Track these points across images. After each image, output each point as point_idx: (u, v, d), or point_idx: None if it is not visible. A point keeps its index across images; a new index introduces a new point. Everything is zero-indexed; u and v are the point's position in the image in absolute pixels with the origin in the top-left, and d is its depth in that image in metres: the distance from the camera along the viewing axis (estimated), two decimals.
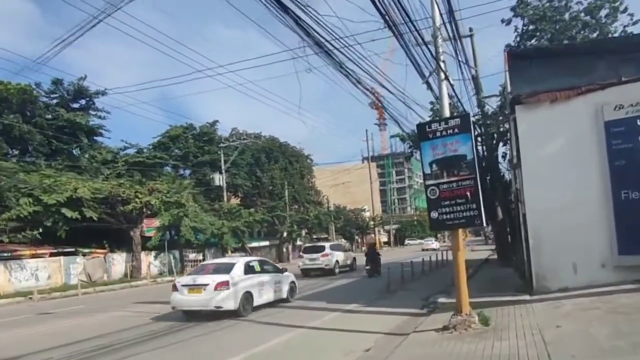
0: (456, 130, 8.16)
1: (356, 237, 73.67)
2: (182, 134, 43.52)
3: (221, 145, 42.17)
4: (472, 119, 21.17)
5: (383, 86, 10.54)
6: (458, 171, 8.10)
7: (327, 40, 8.36)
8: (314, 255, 26.12)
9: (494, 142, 21.05)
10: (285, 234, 46.49)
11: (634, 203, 9.65)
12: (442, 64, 8.70)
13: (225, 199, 40.96)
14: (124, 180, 31.81)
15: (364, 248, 72.54)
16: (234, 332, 10.46)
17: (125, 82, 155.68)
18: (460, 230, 8.44)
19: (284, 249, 49.71)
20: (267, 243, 49.17)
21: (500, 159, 23.90)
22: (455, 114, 18.41)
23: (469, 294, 11.35)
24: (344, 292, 17.20)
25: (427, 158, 8.41)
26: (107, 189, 28.62)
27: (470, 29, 21.88)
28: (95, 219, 27.48)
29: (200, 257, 37.26)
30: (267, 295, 13.55)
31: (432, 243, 57.18)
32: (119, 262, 30.23)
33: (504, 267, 20.34)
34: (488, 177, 24.40)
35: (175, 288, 12.60)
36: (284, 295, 14.46)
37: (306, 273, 25.34)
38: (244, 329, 10.68)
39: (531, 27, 19.50)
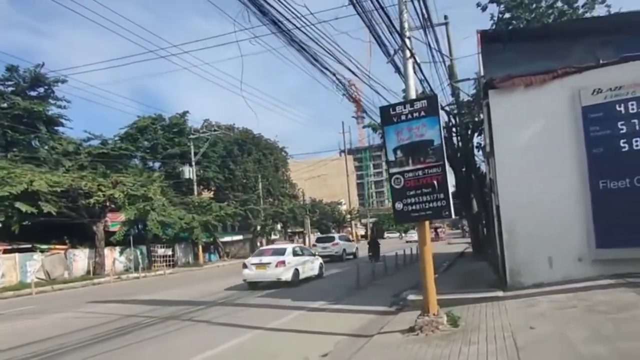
0: (422, 113, 7.39)
1: (332, 230, 72.90)
2: (150, 125, 41.92)
3: (191, 136, 40.77)
4: (446, 108, 20.75)
5: (348, 69, 9.68)
6: (424, 158, 7.34)
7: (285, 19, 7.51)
8: (326, 244, 31.10)
9: (469, 132, 20.48)
10: (258, 228, 45.45)
11: (612, 193, 9.08)
12: (407, 41, 7.91)
13: (195, 192, 39.68)
14: (87, 172, 30.32)
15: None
16: (185, 334, 9.56)
17: (98, 72, 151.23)
18: (427, 223, 7.68)
19: (258, 243, 48.70)
20: (240, 237, 48.15)
21: (476, 151, 23.42)
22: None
23: (440, 289, 10.67)
24: (313, 288, 16.42)
25: (391, 144, 7.63)
26: (67, 181, 27.15)
27: (445, 17, 21.30)
28: (54, 213, 26.00)
29: (170, 252, 36.09)
30: (307, 272, 18.05)
31: (415, 235, 57.12)
32: (81, 258, 28.81)
33: (478, 260, 19.87)
34: (463, 169, 23.93)
35: (245, 266, 17.16)
36: (317, 272, 19.03)
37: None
38: (197, 331, 9.79)
39: (507, 14, 18.94)
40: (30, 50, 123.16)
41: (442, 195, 7.18)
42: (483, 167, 23.90)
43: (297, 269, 17.06)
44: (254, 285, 16.73)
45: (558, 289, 8.73)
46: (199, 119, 49.95)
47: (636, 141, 8.95)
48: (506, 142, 10.05)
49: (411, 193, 7.40)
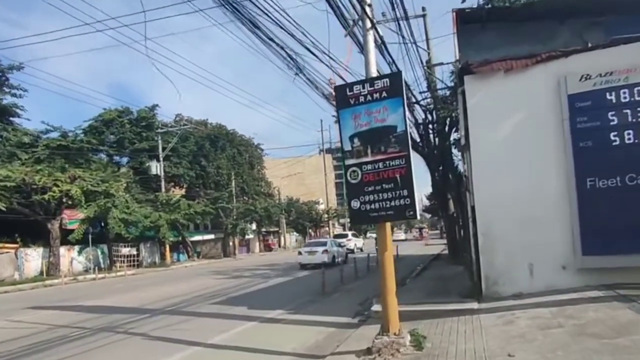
0: (384, 94, 6.16)
1: (310, 230, 71.57)
2: (117, 118, 39.90)
3: (159, 130, 38.96)
4: (422, 103, 19.63)
5: (298, 41, 8.39)
6: (386, 147, 6.12)
7: None
8: (341, 240, 35.71)
9: (447, 129, 19.41)
10: (230, 227, 43.88)
11: (601, 193, 8.01)
12: (368, 9, 6.66)
13: (163, 189, 37.92)
14: (43, 166, 28.37)
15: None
16: (110, 351, 8.16)
17: (74, 65, 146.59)
18: (388, 225, 6.45)
19: (230, 243, 47.14)
20: (212, 236, 46.53)
21: (453, 149, 22.42)
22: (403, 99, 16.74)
23: (409, 298, 9.55)
24: (275, 293, 15.13)
25: (347, 130, 6.38)
26: (19, 175, 25.25)
27: (423, 9, 20.21)
28: (3, 209, 24.12)
29: (135, 252, 34.34)
30: (338, 257, 25.79)
31: (401, 234, 60.71)
32: (34, 258, 26.96)
33: (454, 264, 18.81)
34: (440, 168, 22.90)
35: (300, 253, 25.70)
36: (343, 258, 26.64)
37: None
38: (125, 347, 8.40)
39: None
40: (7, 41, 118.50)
41: (405, 192, 5.96)
42: (461, 166, 22.96)
43: (333, 255, 25.22)
44: (304, 267, 23.80)
45: (540, 301, 7.62)
46: (172, 114, 48.06)
47: (628, 134, 7.90)
48: (483, 135, 8.92)
49: (370, 189, 6.17)
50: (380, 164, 6.12)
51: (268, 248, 55.85)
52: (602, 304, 6.78)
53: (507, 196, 8.65)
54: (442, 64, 16.78)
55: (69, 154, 32.22)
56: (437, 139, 20.81)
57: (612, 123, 7.99)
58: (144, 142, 40.12)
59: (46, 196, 25.78)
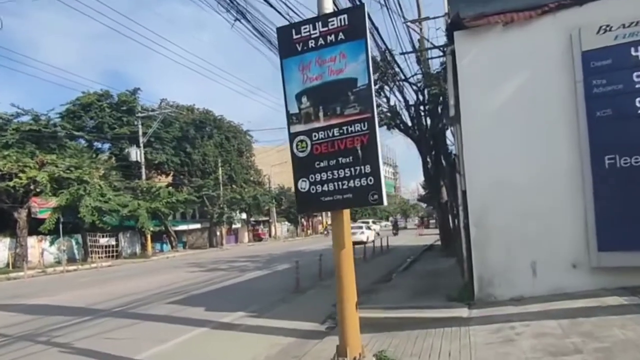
0: (341, 36, 4.53)
1: (302, 220, 70.01)
2: (95, 101, 38.04)
3: (139, 115, 37.10)
4: (412, 80, 17.94)
5: None
6: (343, 108, 4.51)
7: None
8: (355, 230, 39.49)
9: (439, 108, 17.76)
10: (216, 216, 42.26)
11: (622, 174, 6.43)
12: None
13: (143, 176, 36.17)
14: (11, 151, 26.57)
15: (309, 231, 69.60)
16: None
17: (70, 54, 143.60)
18: (346, 214, 4.83)
19: (217, 233, 45.56)
20: (198, 226, 44.89)
21: (448, 131, 20.81)
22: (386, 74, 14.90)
23: (390, 299, 8.08)
24: (245, 290, 13.59)
25: (292, 86, 4.76)
26: None
27: None
28: None
29: (113, 242, 32.71)
30: (370, 238, 32.36)
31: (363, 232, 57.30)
32: (1, 249, 25.26)
33: (446, 256, 17.31)
34: (433, 153, 21.32)
35: None
36: (372, 239, 32.17)
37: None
38: None
39: None
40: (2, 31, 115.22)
41: (368, 169, 4.36)
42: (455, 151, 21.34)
43: (368, 235, 31.75)
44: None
45: (546, 309, 6.07)
46: (157, 99, 45.99)
47: None
48: (476, 103, 7.31)
49: (322, 165, 4.57)
50: (336, 131, 4.51)
51: (258, 238, 54.23)
52: (628, 317, 5.23)
53: (506, 178, 7.08)
54: (427, 18, 14.98)
55: (41, 139, 30.41)
56: (428, 120, 19.19)
57: (638, 86, 6.38)
58: (124, 128, 38.27)
59: (11, 183, 24.08)
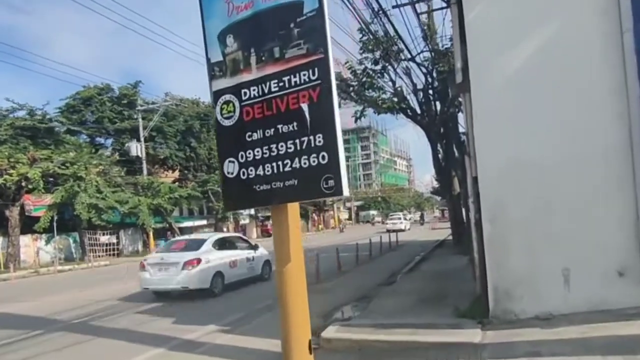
0: None
1: (313, 215, 68.66)
2: (96, 95, 36.97)
3: (139, 108, 35.91)
4: (419, 59, 16.24)
5: None
6: (283, 48, 3.01)
7: None
8: (395, 220, 44.61)
9: (449, 89, 16.02)
10: (220, 212, 41.03)
11: None
12: None
13: (144, 171, 35.00)
14: (5, 147, 25.54)
15: (321, 226, 68.05)
16: None
17: (82, 52, 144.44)
18: (294, 209, 3.31)
19: (224, 229, 44.32)
20: (204, 222, 43.66)
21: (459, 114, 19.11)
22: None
23: (390, 310, 6.62)
24: (230, 295, 12.15)
25: (214, 23, 3.25)
26: None
27: None
28: None
29: (114, 240, 31.67)
30: (407, 226, 40.32)
31: (399, 222, 52.53)
32: None
33: (458, 254, 15.67)
34: (444, 141, 19.64)
35: (383, 222, 44.76)
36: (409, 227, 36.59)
37: (390, 229, 39.46)
38: None
39: None
40: (12, 28, 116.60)
41: (320, 140, 2.88)
42: (462, 121, 19.62)
43: (406, 225, 30.87)
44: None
45: (586, 335, 4.51)
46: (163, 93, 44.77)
47: None
48: (489, 66, 5.72)
49: (255, 137, 3.11)
50: (274, 84, 3.03)
51: (267, 234, 52.94)
52: None
53: (528, 160, 5.50)
54: None
55: (37, 134, 29.34)
56: (438, 105, 17.50)
57: None
58: (126, 122, 37.19)
59: (0, 180, 23.05)
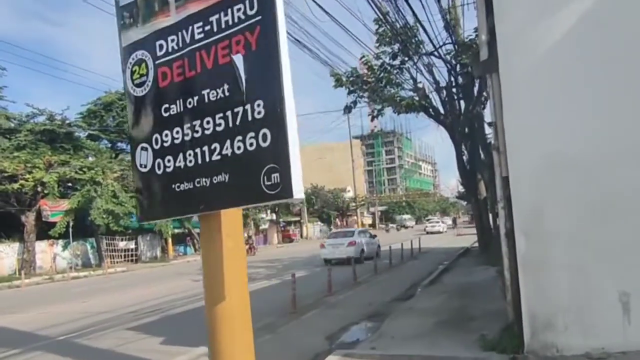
0: None
1: (336, 219, 67.60)
2: (117, 100, 36.85)
3: None
4: (440, 53, 15.04)
5: None
6: None
7: None
8: (434, 224, 52.10)
9: (475, 85, 14.80)
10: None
11: None
12: None
13: None
14: (24, 153, 25.36)
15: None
16: None
17: (112, 62, 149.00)
18: (234, 216, 2.30)
19: (245, 235, 43.70)
20: None
21: (485, 118, 17.82)
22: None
23: (404, 330, 5.61)
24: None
25: None
26: None
27: None
28: None
29: (133, 246, 31.29)
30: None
31: (438, 224, 54.91)
32: (8, 254, 24.08)
33: (484, 264, 14.39)
34: (468, 142, 18.39)
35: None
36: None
37: (430, 231, 47.77)
38: None
39: None
40: (47, 40, 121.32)
41: (260, 110, 1.80)
42: (488, 110, 18.35)
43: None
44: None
45: None
46: None
47: None
48: (522, 38, 4.60)
49: (173, 111, 2.05)
50: (197, 30, 1.99)
51: (289, 239, 52.09)
52: None
53: (574, 158, 4.36)
54: None
55: (56, 139, 29.18)
56: (462, 104, 16.27)
57: None
58: None
59: (16, 185, 22.82)
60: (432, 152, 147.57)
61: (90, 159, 29.73)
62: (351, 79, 13.88)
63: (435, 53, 13.93)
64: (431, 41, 13.73)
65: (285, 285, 14.57)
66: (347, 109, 14.01)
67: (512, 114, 4.59)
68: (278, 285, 14.99)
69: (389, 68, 13.52)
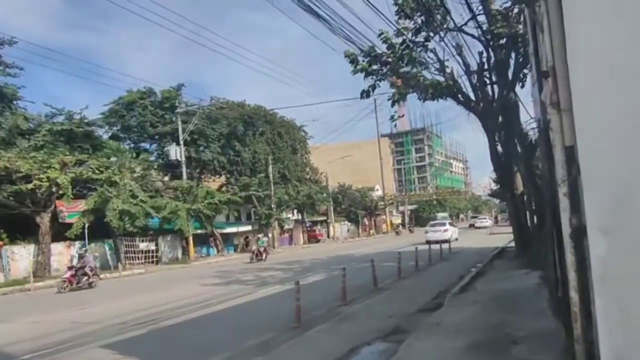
0: None
1: (364, 219, 65.85)
2: (138, 100, 36.47)
3: (178, 111, 34.85)
4: (471, 28, 13.24)
5: None
6: None
7: None
8: (481, 220, 60.14)
9: (511, 59, 12.93)
10: (264, 217, 39.25)
11: None
12: None
13: (184, 175, 33.81)
14: (41, 153, 24.83)
15: (372, 231, 64.92)
16: None
17: (147, 67, 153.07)
18: None
19: (269, 235, 42.56)
20: (248, 228, 41.90)
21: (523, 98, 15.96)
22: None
23: (429, 354, 4.11)
24: (228, 321, 9.87)
25: None
26: (1, 164, 21.76)
27: None
28: None
29: (153, 247, 30.54)
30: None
31: (486, 220, 61.35)
32: (24, 256, 23.45)
33: (523, 267, 12.65)
34: (502, 133, 16.57)
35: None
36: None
37: (478, 226, 54.86)
38: None
39: None
40: (90, 50, 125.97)
41: None
42: (532, 129, 16.46)
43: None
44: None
45: None
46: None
47: None
48: None
49: None
50: None
51: (315, 239, 50.73)
52: None
53: None
54: None
55: (74, 139, 28.70)
56: (495, 87, 14.50)
57: None
58: (167, 126, 36.38)
59: (30, 185, 22.24)
60: (464, 149, 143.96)
61: (113, 159, 29.11)
62: (368, 58, 12.35)
63: (465, 28, 12.21)
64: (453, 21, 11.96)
65: (299, 291, 13.23)
66: (365, 94, 12.48)
67: (579, 52, 3.02)
68: (289, 291, 13.47)
69: (411, 45, 11.94)
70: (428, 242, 23.89)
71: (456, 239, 32.06)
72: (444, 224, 35.08)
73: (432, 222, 40.28)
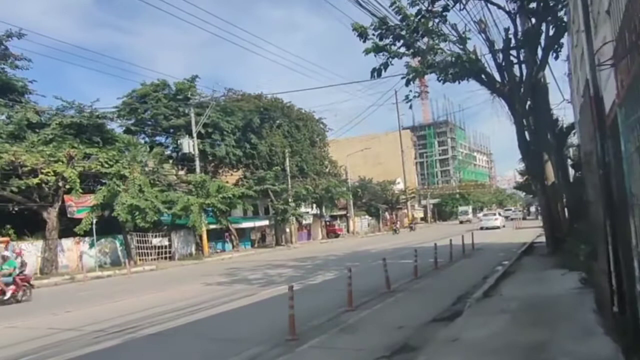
0: None
1: (385, 213, 64.20)
2: (151, 92, 35.76)
3: (191, 102, 33.96)
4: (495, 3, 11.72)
5: None
6: None
7: None
8: (510, 212, 65.06)
9: (541, 38, 11.51)
10: (280, 211, 38.20)
11: None
12: None
13: (197, 169, 32.95)
14: (50, 147, 24.21)
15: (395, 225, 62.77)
16: None
17: (176, 65, 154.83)
18: None
19: (287, 230, 41.54)
20: (265, 222, 40.80)
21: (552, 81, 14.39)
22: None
23: None
24: (214, 331, 8.72)
25: None
26: (6, 158, 21.19)
27: None
28: None
29: (166, 242, 29.85)
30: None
31: (494, 218, 44.43)
32: (31, 252, 22.82)
33: (556, 266, 11.20)
34: (530, 118, 15.03)
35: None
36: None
37: (485, 226, 44.71)
38: None
39: None
40: (118, 48, 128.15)
41: None
42: (562, 116, 14.86)
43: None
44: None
45: None
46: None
47: None
48: None
49: None
50: None
51: (334, 234, 49.46)
52: None
53: None
54: None
55: (85, 132, 28.05)
56: (523, 65, 13.00)
57: None
58: (181, 119, 35.54)
59: (36, 180, 21.62)
60: (488, 142, 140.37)
61: (127, 153, 28.40)
62: (379, 31, 11.02)
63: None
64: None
65: (304, 293, 12.05)
66: (376, 72, 11.14)
67: None
68: (295, 292, 12.45)
69: (427, 15, 10.58)
70: (482, 228, 38.56)
71: (504, 226, 41.18)
72: (494, 214, 47.55)
73: (485, 212, 56.28)
